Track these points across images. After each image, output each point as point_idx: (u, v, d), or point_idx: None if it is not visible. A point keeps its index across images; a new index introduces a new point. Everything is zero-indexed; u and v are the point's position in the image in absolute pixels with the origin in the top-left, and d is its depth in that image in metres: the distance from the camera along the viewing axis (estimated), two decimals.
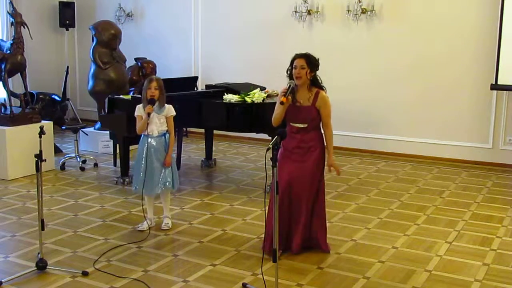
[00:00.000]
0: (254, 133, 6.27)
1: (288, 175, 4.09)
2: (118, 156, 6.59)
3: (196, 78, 7.49)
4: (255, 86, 6.27)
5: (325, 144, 4.20)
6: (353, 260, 4.17)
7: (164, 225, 4.82)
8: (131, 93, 7.82)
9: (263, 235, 4.52)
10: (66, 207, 5.43)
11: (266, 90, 6.26)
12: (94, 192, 5.93)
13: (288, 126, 4.17)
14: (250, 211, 5.31)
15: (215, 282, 3.78)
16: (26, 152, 6.15)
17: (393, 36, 7.53)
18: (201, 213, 5.26)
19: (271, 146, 3.28)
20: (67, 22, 9.93)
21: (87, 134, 7.85)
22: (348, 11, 7.69)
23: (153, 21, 9.50)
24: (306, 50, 4.18)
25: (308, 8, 7.96)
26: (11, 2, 7.23)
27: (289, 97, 4.02)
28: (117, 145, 6.61)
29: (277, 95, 4.39)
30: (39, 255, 3.92)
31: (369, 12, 7.58)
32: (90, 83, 8.10)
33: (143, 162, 4.68)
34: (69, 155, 7.27)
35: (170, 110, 4.76)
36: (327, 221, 4.46)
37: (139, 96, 6.27)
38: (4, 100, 6.95)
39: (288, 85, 4.05)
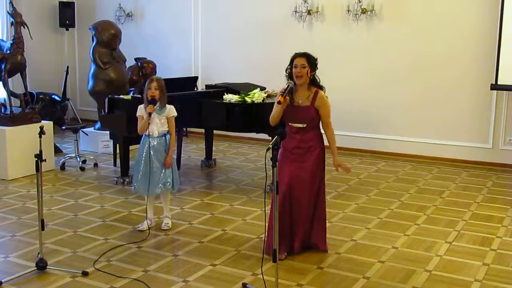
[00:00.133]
0: (254, 133, 6.27)
1: (289, 178, 4.07)
2: (118, 156, 6.59)
3: (196, 78, 7.50)
4: (255, 86, 6.28)
5: (325, 144, 4.18)
6: (353, 260, 4.17)
7: (164, 225, 4.82)
8: (131, 93, 7.82)
9: (263, 235, 4.52)
10: (66, 207, 5.43)
11: (266, 90, 6.26)
12: (94, 192, 5.93)
13: (287, 126, 4.16)
14: (250, 211, 5.31)
15: (215, 282, 3.78)
16: (26, 152, 6.15)
17: (393, 36, 7.54)
18: (201, 213, 5.26)
19: (271, 146, 3.27)
20: (67, 22, 9.93)
21: (87, 134, 7.85)
22: (348, 11, 7.70)
23: (153, 21, 9.50)
24: (306, 50, 4.17)
25: (308, 8, 7.96)
26: (11, 2, 7.23)
27: (287, 97, 4.01)
28: (117, 145, 6.61)
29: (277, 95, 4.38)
30: (39, 255, 3.93)
31: (369, 12, 7.58)
32: (90, 83, 8.10)
33: (143, 162, 4.68)
34: (69, 155, 7.27)
35: (171, 110, 4.75)
36: (327, 221, 4.46)
37: (139, 96, 6.30)
38: (4, 100, 6.95)
39: (287, 85, 4.04)
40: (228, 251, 4.33)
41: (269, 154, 3.26)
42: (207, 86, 6.81)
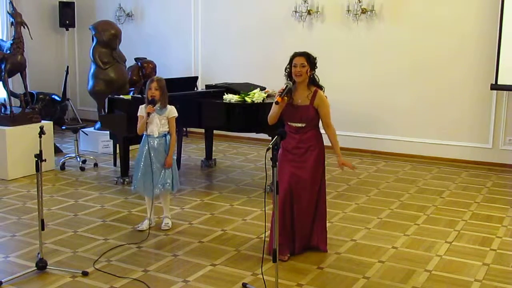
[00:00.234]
0: (254, 133, 6.27)
1: (288, 178, 4.06)
2: (118, 156, 6.59)
3: (196, 78, 7.49)
4: (255, 86, 6.28)
5: (325, 144, 4.19)
6: (353, 260, 4.17)
7: (164, 225, 4.82)
8: (131, 93, 7.82)
9: (263, 235, 4.52)
10: (66, 207, 5.43)
11: (266, 90, 6.26)
12: (94, 192, 5.93)
13: (287, 126, 4.15)
14: (250, 211, 5.31)
15: (215, 282, 3.78)
16: (26, 152, 6.15)
17: (393, 36, 7.54)
18: (201, 213, 5.26)
19: (271, 146, 3.27)
20: (67, 22, 9.93)
21: (87, 134, 7.85)
22: (348, 11, 7.70)
23: (153, 21, 9.50)
24: (306, 50, 4.16)
25: (308, 8, 7.96)
26: (11, 2, 7.24)
27: (285, 97, 4.01)
28: (117, 145, 6.61)
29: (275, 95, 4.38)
30: (39, 255, 3.92)
31: (369, 12, 7.58)
32: (90, 83, 8.10)
33: (143, 163, 4.68)
34: (69, 155, 7.27)
35: (172, 111, 4.74)
36: (327, 221, 4.46)
37: (139, 96, 6.30)
38: (4, 100, 6.95)
39: (285, 85, 4.03)
40: (228, 251, 4.33)
41: (269, 154, 3.26)
42: (207, 86, 6.81)
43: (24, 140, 6.36)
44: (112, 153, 7.09)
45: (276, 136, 3.36)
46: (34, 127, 5.39)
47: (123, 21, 9.58)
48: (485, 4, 6.98)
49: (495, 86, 6.82)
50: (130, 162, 6.18)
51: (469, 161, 7.29)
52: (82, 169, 6.90)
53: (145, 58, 8.78)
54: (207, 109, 6.10)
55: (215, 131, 7.28)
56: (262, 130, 5.81)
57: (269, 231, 4.24)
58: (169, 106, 4.73)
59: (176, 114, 4.75)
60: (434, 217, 5.21)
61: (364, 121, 7.85)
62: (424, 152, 7.56)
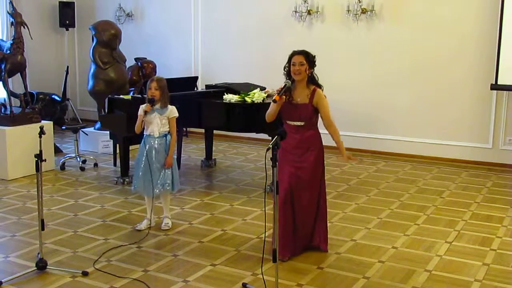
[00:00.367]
0: (254, 133, 6.26)
1: (288, 180, 4.05)
2: (118, 156, 6.59)
3: (196, 78, 7.49)
4: (255, 86, 6.28)
5: (324, 144, 4.19)
6: (353, 260, 4.17)
7: (164, 225, 4.82)
8: (131, 93, 7.82)
9: (263, 235, 4.52)
10: (66, 207, 5.43)
11: (266, 90, 6.25)
12: (94, 192, 5.93)
13: (286, 125, 4.14)
14: (250, 211, 5.31)
15: (215, 282, 3.78)
16: (26, 152, 6.15)
17: (393, 36, 7.53)
18: (201, 213, 5.26)
19: (271, 146, 3.27)
20: (67, 22, 9.93)
21: (87, 134, 7.85)
22: (348, 11, 7.70)
23: (153, 21, 9.50)
24: (306, 49, 4.17)
25: (308, 8, 7.96)
26: (11, 2, 7.23)
27: (283, 96, 4.00)
28: (117, 145, 6.61)
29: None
30: (39, 255, 3.92)
31: (369, 12, 7.58)
32: (90, 83, 8.10)
33: (143, 163, 4.67)
34: (69, 155, 7.27)
35: (172, 111, 4.73)
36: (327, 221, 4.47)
37: (139, 96, 6.30)
38: (4, 100, 6.95)
39: (284, 84, 4.03)
40: (228, 251, 4.33)
41: (269, 154, 3.25)
42: (207, 86, 6.81)
43: (24, 140, 6.36)
44: (112, 153, 7.09)
45: (276, 136, 3.36)
46: (34, 127, 5.39)
47: (123, 21, 9.58)
48: (485, 4, 6.98)
49: (495, 86, 6.81)
50: (130, 162, 6.18)
51: (469, 161, 7.29)
52: (82, 169, 6.90)
53: (145, 58, 8.78)
54: (207, 109, 6.10)
55: (215, 131, 7.28)
56: (262, 130, 5.81)
57: (271, 230, 4.24)
58: (169, 106, 4.73)
59: (176, 114, 4.75)
60: (434, 217, 5.21)
61: (364, 121, 7.85)
62: (424, 152, 7.56)
